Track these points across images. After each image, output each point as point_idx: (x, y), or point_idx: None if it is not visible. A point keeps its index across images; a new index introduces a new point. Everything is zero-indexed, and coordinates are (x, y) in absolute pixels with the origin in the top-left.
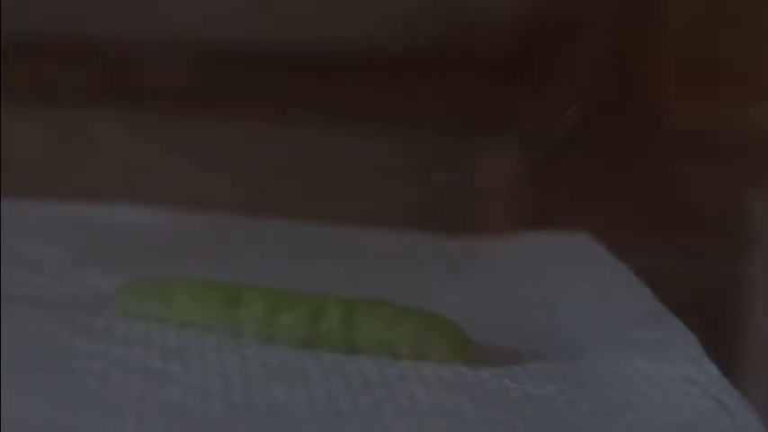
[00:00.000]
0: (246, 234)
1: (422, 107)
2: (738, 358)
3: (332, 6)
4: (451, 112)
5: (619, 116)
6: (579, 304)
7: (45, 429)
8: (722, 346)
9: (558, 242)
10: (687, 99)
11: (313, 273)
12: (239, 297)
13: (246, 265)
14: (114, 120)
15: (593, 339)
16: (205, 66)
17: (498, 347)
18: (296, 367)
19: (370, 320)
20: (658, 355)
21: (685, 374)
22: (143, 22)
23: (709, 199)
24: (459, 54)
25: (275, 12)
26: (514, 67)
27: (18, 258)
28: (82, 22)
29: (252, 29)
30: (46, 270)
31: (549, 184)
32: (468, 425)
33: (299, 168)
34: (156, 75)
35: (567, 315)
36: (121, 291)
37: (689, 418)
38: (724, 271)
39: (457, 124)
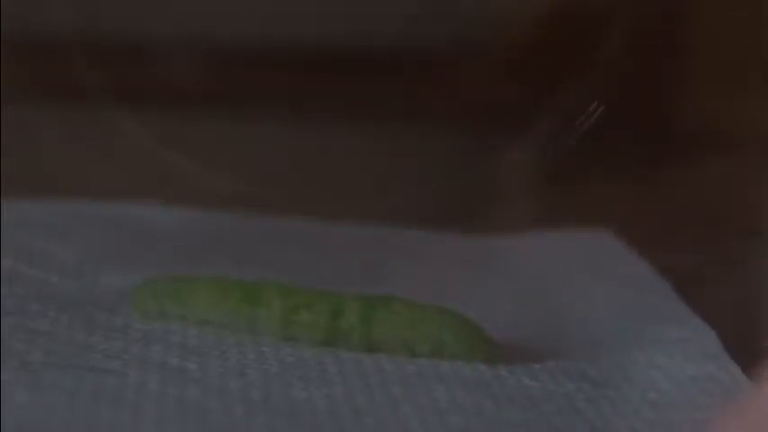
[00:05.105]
0: (262, 232)
1: (438, 106)
2: (760, 357)
3: (347, 5)
4: (468, 111)
5: (639, 114)
6: (599, 302)
7: (63, 428)
8: (743, 345)
9: (577, 240)
10: (709, 98)
11: (330, 271)
12: (258, 295)
13: (263, 263)
14: (129, 118)
15: (613, 337)
16: (220, 64)
17: (517, 345)
18: (314, 365)
19: (389, 318)
20: (679, 353)
21: (706, 373)
22: (157, 20)
23: (731, 197)
24: (475, 53)
25: (290, 10)
26: (532, 66)
27: (32, 257)
28: (96, 21)
29: (267, 27)
30: (61, 269)
31: (568, 182)
32: (488, 423)
33: (314, 167)
34: (172, 73)
35: (587, 312)
36: (139, 289)
37: (709, 417)
38: (746, 269)
39: (474, 123)
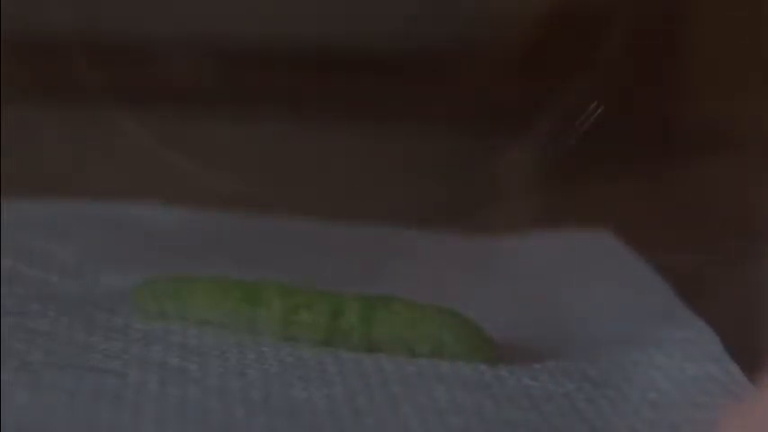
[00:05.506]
0: (262, 232)
1: (438, 106)
2: (760, 357)
3: (347, 5)
4: (469, 110)
5: (639, 114)
6: (599, 302)
7: (63, 428)
8: (744, 345)
9: (578, 240)
10: (709, 98)
11: (330, 271)
12: (258, 295)
13: (263, 263)
14: (129, 118)
15: (614, 337)
16: (220, 64)
17: (518, 345)
18: (314, 365)
19: (389, 318)
20: (679, 353)
21: (706, 373)
22: (157, 20)
23: (731, 197)
24: (475, 53)
25: (291, 10)
26: (532, 66)
27: (32, 257)
28: (96, 21)
29: (267, 27)
30: (61, 269)
31: (568, 182)
32: (488, 423)
33: (315, 167)
34: (172, 73)
35: (588, 313)
36: (139, 289)
37: (709, 418)
38: (746, 269)
39: (474, 123)
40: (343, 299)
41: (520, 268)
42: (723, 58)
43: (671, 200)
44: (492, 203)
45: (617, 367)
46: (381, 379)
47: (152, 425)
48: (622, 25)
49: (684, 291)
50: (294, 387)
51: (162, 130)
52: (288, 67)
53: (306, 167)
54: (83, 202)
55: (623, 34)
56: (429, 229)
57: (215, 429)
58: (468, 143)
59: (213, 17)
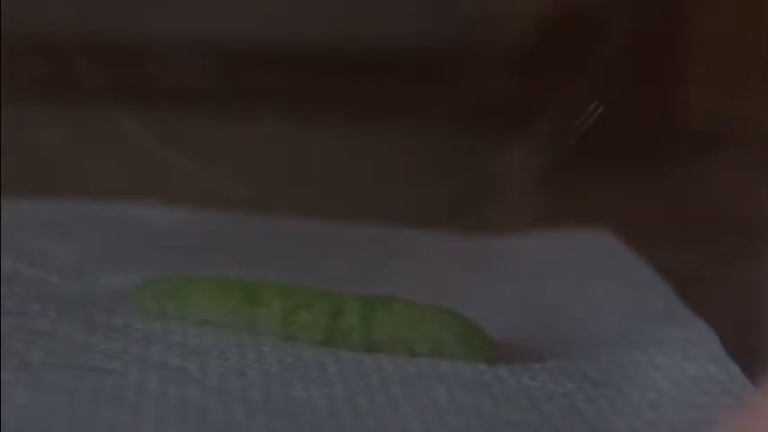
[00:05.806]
0: (262, 232)
1: (438, 106)
2: (760, 357)
3: (347, 5)
4: (468, 110)
5: (639, 114)
6: (599, 302)
7: (63, 428)
8: (743, 345)
9: (578, 240)
10: (709, 98)
11: (330, 271)
12: (258, 295)
13: (263, 263)
14: (129, 118)
15: (614, 337)
16: (221, 65)
17: (517, 345)
18: (314, 365)
19: (389, 318)
20: (679, 353)
21: (706, 373)
22: (157, 20)
23: (731, 197)
24: (475, 53)
25: (291, 11)
26: (532, 66)
27: (32, 257)
28: (96, 21)
29: (268, 28)
30: (61, 269)
31: (568, 182)
32: (488, 423)
33: (314, 167)
34: (172, 73)
35: (587, 312)
36: (139, 289)
37: (709, 418)
38: (746, 269)
39: (474, 123)
40: (343, 299)
41: (520, 268)
42: (723, 58)
43: (671, 200)
44: (492, 203)
45: (617, 367)
46: (381, 379)
47: (152, 425)
48: (622, 25)
49: (684, 291)
50: (294, 387)
51: (162, 130)
52: (288, 67)
53: (306, 167)
54: (83, 202)
55: (623, 34)
56: (429, 229)
57: (215, 429)
58: (468, 143)
59: (213, 17)
